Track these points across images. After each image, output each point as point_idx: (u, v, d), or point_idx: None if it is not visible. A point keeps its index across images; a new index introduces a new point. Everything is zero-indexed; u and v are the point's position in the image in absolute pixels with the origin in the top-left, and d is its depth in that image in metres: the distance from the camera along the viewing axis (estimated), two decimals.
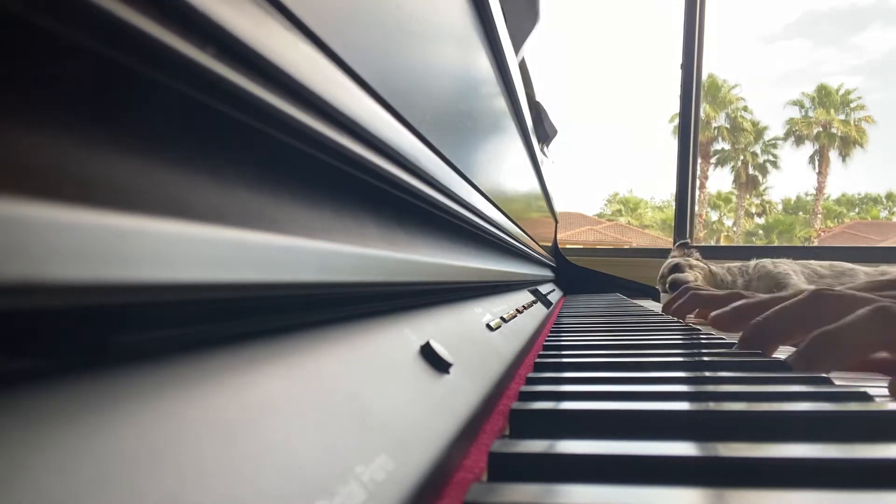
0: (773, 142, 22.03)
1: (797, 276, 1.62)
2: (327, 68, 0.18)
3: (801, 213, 25.52)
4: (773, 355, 0.45)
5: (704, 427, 0.26)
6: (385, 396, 0.20)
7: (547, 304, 0.93)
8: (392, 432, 0.18)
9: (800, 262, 1.68)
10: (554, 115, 1.70)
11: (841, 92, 21.27)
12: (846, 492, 0.18)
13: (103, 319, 0.11)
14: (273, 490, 0.12)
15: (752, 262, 1.74)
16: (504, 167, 0.69)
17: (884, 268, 1.61)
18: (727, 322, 0.55)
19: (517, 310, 0.61)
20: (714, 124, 21.27)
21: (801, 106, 21.71)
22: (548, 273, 1.43)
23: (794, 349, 0.41)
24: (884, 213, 26.49)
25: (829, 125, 20.96)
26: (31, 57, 0.10)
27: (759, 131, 21.93)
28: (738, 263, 1.78)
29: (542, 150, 1.41)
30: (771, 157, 22.16)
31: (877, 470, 0.20)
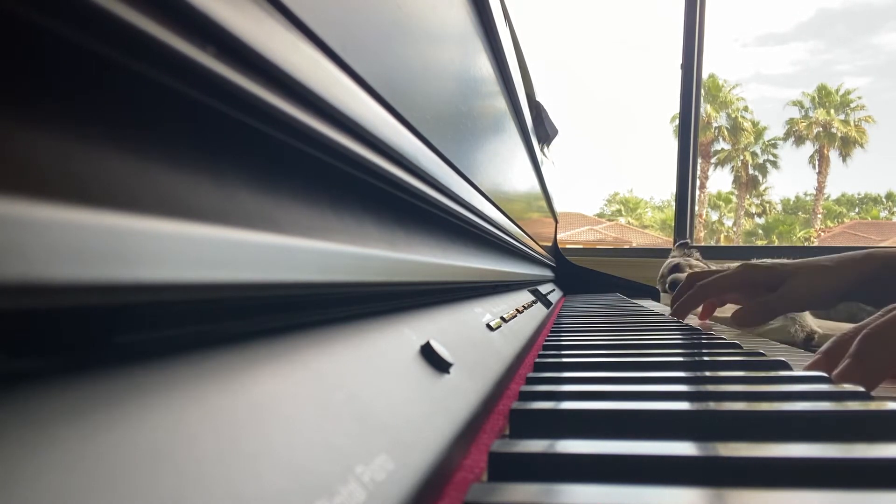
0: (774, 142, 22.03)
1: None
2: (328, 68, 0.18)
3: (800, 213, 25.51)
4: (776, 356, 0.44)
5: (705, 427, 0.26)
6: (385, 396, 0.20)
7: (547, 304, 0.93)
8: (392, 432, 0.18)
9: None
10: (554, 115, 1.70)
11: (841, 92, 21.26)
12: (846, 492, 0.18)
13: (103, 319, 0.11)
14: (273, 489, 0.12)
15: (752, 262, 1.73)
16: (504, 167, 0.69)
17: None
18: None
19: (517, 310, 0.61)
20: (714, 124, 21.26)
21: (801, 106, 21.71)
22: (548, 273, 1.43)
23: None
24: (884, 213, 26.48)
25: (830, 125, 20.95)
26: (30, 56, 0.10)
27: (759, 131, 21.92)
28: (738, 264, 1.77)
29: (542, 150, 1.41)
30: (771, 157, 22.17)
31: (877, 470, 0.20)
